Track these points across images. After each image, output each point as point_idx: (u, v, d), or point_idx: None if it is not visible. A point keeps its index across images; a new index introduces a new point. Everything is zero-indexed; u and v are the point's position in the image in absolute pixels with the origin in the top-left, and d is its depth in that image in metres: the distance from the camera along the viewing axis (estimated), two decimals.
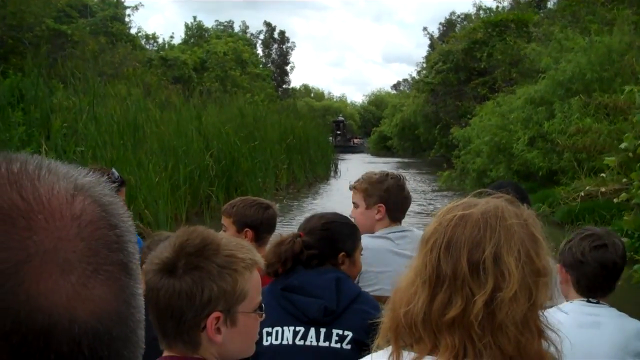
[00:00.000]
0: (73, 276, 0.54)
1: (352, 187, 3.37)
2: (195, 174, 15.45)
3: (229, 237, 1.79)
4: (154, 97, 18.78)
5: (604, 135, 14.32)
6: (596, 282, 2.26)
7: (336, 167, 33.98)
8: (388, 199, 3.24)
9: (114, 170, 3.82)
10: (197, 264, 1.59)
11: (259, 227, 3.23)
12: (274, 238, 2.63)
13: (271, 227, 3.32)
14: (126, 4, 35.97)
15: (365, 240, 2.79)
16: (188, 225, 1.74)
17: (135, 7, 36.33)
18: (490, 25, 32.13)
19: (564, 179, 16.07)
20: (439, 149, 38.33)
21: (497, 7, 41.53)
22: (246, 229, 3.21)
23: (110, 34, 27.75)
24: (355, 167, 38.88)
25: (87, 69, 19.46)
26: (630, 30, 17.59)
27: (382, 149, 69.16)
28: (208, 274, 1.58)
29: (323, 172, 30.18)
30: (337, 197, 21.98)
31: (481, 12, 42.56)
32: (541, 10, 35.32)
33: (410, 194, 3.38)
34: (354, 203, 3.34)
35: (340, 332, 2.30)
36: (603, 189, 9.21)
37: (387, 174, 3.34)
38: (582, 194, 10.18)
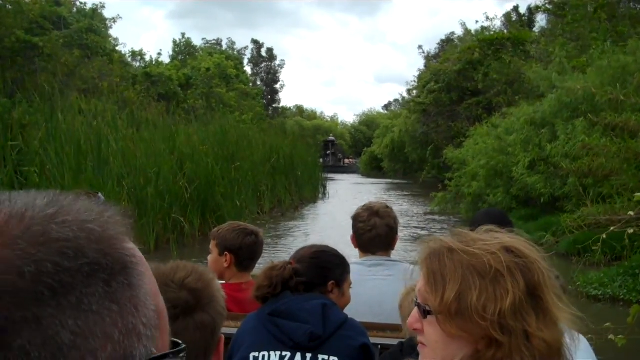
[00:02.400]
0: None
1: None
2: (166, 197, 14.10)
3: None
4: (130, 114, 17.32)
5: (612, 154, 13.14)
6: None
7: (325, 188, 32.63)
8: (353, 228, 3.35)
9: (100, 195, 3.62)
10: None
11: (238, 252, 3.28)
12: (266, 264, 2.56)
13: (253, 254, 3.34)
14: (105, 15, 34.78)
15: None
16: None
17: (114, 20, 35.14)
18: (486, 44, 31.06)
19: (569, 206, 14.83)
20: (431, 171, 37.38)
21: (488, 26, 40.50)
22: (226, 253, 3.27)
23: (85, 46, 26.28)
24: (344, 188, 37.85)
25: (57, 84, 18.12)
26: None
27: (374, 169, 68.33)
28: None
29: (310, 194, 28.82)
30: (325, 221, 20.71)
31: (473, 33, 41.37)
32: (535, 28, 34.42)
33: (385, 226, 3.29)
34: None
35: (326, 357, 2.30)
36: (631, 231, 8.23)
37: (363, 206, 3.43)
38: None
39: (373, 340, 2.58)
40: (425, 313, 1.38)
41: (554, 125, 16.29)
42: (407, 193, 37.51)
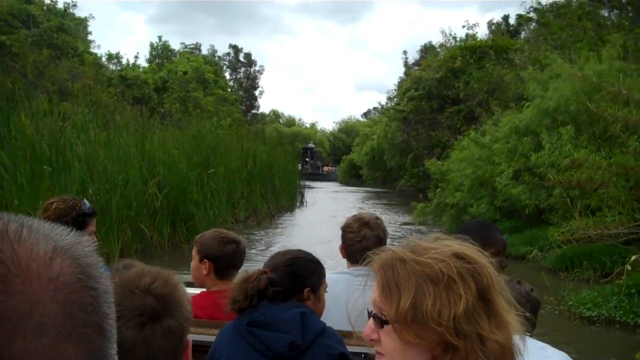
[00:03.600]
0: (45, 339, 0.56)
1: None
2: (133, 205, 13.29)
3: None
4: (99, 116, 16.39)
5: (602, 170, 12.59)
6: None
7: (302, 196, 31.89)
8: (342, 239, 3.34)
9: (85, 201, 3.60)
10: None
11: (217, 260, 3.24)
12: (240, 274, 2.59)
13: (232, 262, 3.28)
14: (78, 15, 33.71)
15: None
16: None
17: (86, 19, 34.17)
18: (468, 52, 30.56)
19: (555, 218, 14.28)
20: (410, 179, 36.86)
21: (473, 34, 40.03)
22: (205, 260, 3.24)
23: (55, 46, 25.18)
24: (322, 197, 37.15)
25: (23, 84, 17.23)
26: (619, 55, 16.09)
27: (352, 177, 67.73)
28: None
29: (287, 202, 28.06)
30: (302, 232, 20.00)
31: (453, 41, 40.63)
32: (520, 36, 34.03)
33: (375, 237, 3.27)
34: None
35: None
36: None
37: (353, 216, 3.41)
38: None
39: (358, 349, 2.59)
40: (382, 323, 1.40)
41: (537, 133, 15.79)
42: (385, 202, 36.90)
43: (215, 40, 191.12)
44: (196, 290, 3.36)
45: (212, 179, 17.90)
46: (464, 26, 53.60)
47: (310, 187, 38.72)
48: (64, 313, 0.57)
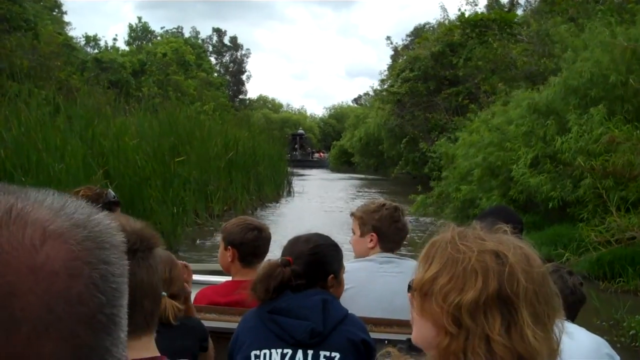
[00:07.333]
0: (17, 335, 0.51)
1: (351, 214, 3.46)
2: None
3: None
4: (37, 97, 13.95)
5: None
6: None
7: (290, 185, 29.46)
8: (380, 228, 3.30)
9: (110, 190, 3.60)
10: None
11: (239, 247, 3.27)
12: (263, 265, 2.47)
13: (254, 250, 3.27)
14: None
15: (348, 264, 2.83)
16: None
17: None
18: (469, 26, 28.16)
19: (583, 213, 11.99)
20: (405, 166, 34.76)
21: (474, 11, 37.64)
22: (229, 247, 3.29)
23: (1, 18, 22.34)
24: (311, 185, 34.83)
25: None
26: None
27: (344, 164, 65.55)
28: None
29: (272, 192, 25.61)
30: (287, 227, 17.70)
31: (452, 16, 38.07)
32: (528, 8, 31.70)
33: (407, 222, 3.36)
34: (352, 230, 3.44)
35: (328, 353, 2.29)
36: None
37: (383, 204, 3.40)
38: None
39: (381, 335, 2.68)
40: (408, 288, 1.46)
41: (559, 114, 13.53)
42: (379, 190, 34.63)
43: (206, 27, 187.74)
44: (220, 279, 3.67)
45: (181, 168, 15.53)
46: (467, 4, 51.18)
47: (299, 175, 36.67)
48: (42, 306, 0.51)
